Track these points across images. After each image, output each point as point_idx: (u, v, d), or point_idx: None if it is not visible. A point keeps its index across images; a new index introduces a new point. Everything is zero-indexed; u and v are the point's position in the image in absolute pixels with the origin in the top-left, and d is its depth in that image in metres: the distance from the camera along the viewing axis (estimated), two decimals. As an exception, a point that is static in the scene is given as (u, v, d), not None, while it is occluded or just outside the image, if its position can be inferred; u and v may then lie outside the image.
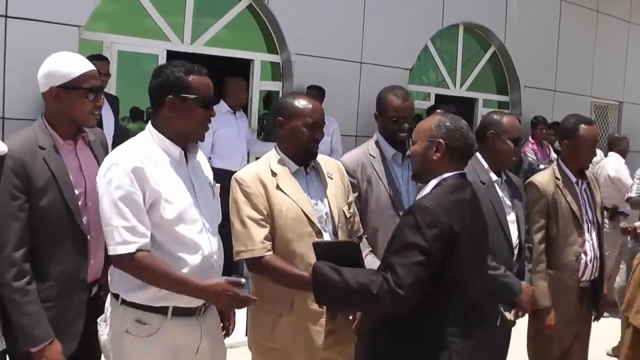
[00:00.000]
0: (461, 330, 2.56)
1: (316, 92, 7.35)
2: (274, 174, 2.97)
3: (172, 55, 6.94)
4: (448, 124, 2.72)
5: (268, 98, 8.99)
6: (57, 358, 2.61)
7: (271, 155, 3.06)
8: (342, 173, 3.26)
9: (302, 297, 2.88)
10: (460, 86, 9.89)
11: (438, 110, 5.02)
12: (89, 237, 2.76)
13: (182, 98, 2.61)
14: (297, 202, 2.94)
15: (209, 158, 6.52)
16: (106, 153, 2.91)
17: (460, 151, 2.72)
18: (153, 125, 2.71)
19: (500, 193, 3.66)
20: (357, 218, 3.31)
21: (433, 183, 2.69)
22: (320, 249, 2.69)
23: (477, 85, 10.14)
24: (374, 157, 3.56)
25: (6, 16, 5.95)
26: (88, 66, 2.76)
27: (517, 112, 10.00)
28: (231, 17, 7.41)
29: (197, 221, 2.67)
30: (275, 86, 7.85)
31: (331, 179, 3.14)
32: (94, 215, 2.72)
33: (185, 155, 2.74)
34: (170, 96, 2.61)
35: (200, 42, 7.22)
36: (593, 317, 4.11)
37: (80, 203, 2.74)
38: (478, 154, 3.64)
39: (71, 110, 2.73)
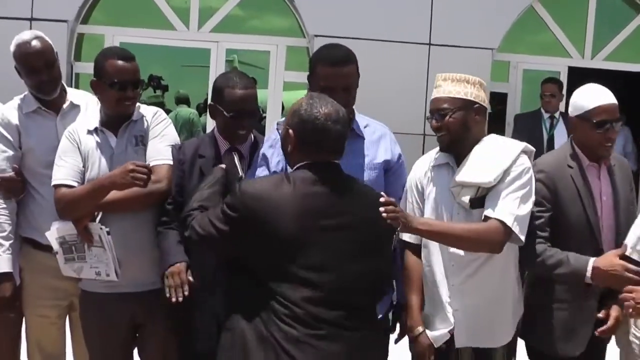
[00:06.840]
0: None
1: None
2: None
3: (572, 71, 7.15)
4: (302, 111, 2.27)
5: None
6: None
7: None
8: None
9: None
10: None
11: None
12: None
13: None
14: None
15: None
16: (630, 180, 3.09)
17: (313, 146, 2.26)
18: None
19: None
20: None
21: None
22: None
23: None
24: None
25: (430, 44, 6.71)
26: (602, 101, 2.86)
27: None
28: (630, 31, 7.40)
29: None
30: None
31: None
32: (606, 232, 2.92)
33: None
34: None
35: (600, 57, 7.33)
36: None
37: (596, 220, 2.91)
38: None
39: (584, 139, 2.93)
